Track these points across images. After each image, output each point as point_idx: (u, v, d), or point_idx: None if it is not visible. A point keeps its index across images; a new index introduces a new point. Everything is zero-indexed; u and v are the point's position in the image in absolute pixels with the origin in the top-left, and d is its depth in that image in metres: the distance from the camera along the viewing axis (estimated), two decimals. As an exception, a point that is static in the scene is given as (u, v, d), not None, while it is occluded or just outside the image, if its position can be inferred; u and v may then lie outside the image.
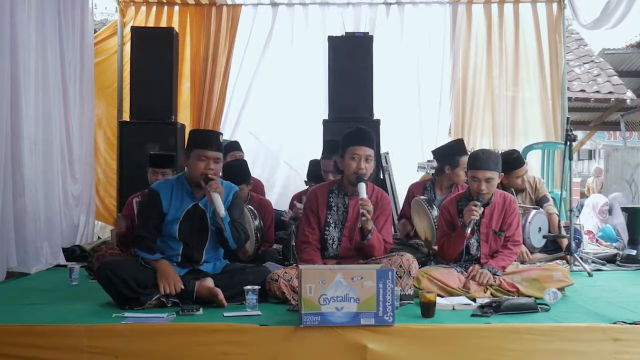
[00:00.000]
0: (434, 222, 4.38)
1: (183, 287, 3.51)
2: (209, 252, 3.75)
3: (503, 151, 5.64)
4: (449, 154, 4.85)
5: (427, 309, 3.21)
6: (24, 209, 4.88)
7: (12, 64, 4.79)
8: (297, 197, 5.44)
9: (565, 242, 4.98)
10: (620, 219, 6.04)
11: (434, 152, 5.10)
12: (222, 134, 3.87)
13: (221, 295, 3.48)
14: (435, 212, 4.42)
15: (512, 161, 5.19)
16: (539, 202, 5.31)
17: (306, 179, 5.55)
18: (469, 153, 4.63)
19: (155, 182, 3.91)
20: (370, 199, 3.82)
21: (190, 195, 3.71)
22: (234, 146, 6.06)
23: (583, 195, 11.53)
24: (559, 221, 5.25)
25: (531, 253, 5.00)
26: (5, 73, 4.69)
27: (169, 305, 3.47)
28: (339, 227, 3.88)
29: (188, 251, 3.70)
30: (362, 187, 3.73)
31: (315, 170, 5.41)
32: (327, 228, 3.89)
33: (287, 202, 5.77)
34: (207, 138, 3.73)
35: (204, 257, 3.74)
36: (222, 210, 3.57)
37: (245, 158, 5.69)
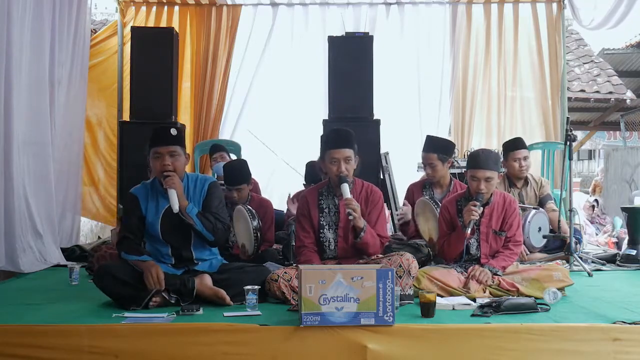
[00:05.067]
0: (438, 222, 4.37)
1: (162, 285, 3.47)
2: (198, 249, 3.73)
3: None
4: None
5: (427, 309, 3.21)
6: (12, 208, 4.87)
7: (6, 63, 4.78)
8: (297, 196, 5.43)
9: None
10: None
11: None
12: (174, 127, 3.76)
13: (228, 299, 3.49)
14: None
15: (510, 143, 5.45)
16: (543, 199, 5.33)
17: (304, 182, 5.54)
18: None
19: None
20: (360, 195, 3.88)
21: (163, 195, 3.68)
22: (219, 147, 6.20)
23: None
24: (559, 220, 5.25)
25: (530, 252, 5.00)
26: (0, 72, 4.69)
27: (173, 301, 3.48)
28: (333, 229, 3.89)
29: (177, 251, 3.70)
30: (345, 188, 3.76)
31: (311, 172, 5.40)
32: (321, 230, 3.90)
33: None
34: (156, 134, 3.70)
35: (195, 255, 3.72)
36: (175, 206, 3.53)
37: (243, 158, 5.70)
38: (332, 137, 3.90)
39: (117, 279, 3.48)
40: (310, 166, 5.49)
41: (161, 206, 3.68)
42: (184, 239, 3.70)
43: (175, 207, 3.54)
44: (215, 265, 3.78)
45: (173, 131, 3.67)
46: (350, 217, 3.69)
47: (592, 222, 7.40)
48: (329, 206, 3.90)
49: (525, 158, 5.30)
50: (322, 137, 4.01)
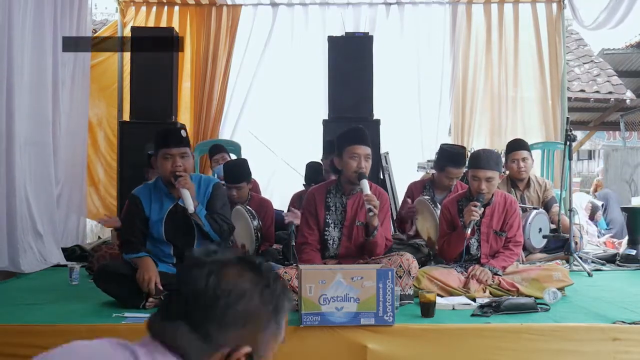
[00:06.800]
0: (439, 222, 4.37)
1: (160, 287, 3.45)
2: None
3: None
4: (440, 157, 4.94)
5: (427, 309, 3.21)
6: (14, 209, 4.86)
7: (8, 64, 4.78)
8: (297, 197, 5.43)
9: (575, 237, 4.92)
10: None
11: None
12: (183, 128, 3.77)
13: None
14: (439, 212, 4.42)
15: (510, 143, 5.44)
16: (548, 202, 5.30)
17: (304, 183, 5.54)
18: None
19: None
20: None
21: (167, 196, 3.70)
22: (220, 148, 6.20)
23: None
24: (558, 220, 5.23)
25: (531, 254, 4.98)
26: (2, 73, 4.69)
27: None
28: (338, 227, 3.88)
29: (179, 251, 3.70)
30: (365, 184, 3.73)
31: (312, 173, 5.40)
32: (326, 228, 3.89)
33: (287, 201, 5.76)
34: (167, 136, 3.69)
35: None
36: (190, 206, 3.54)
37: (243, 158, 5.70)
38: (355, 133, 3.88)
39: (117, 274, 3.49)
40: (310, 167, 5.49)
41: (165, 206, 3.69)
42: (188, 239, 3.70)
43: (191, 207, 3.55)
44: (216, 266, 3.77)
45: (183, 133, 3.69)
46: (371, 214, 3.67)
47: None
48: (335, 204, 3.90)
49: (524, 159, 5.24)
50: (341, 133, 3.95)
